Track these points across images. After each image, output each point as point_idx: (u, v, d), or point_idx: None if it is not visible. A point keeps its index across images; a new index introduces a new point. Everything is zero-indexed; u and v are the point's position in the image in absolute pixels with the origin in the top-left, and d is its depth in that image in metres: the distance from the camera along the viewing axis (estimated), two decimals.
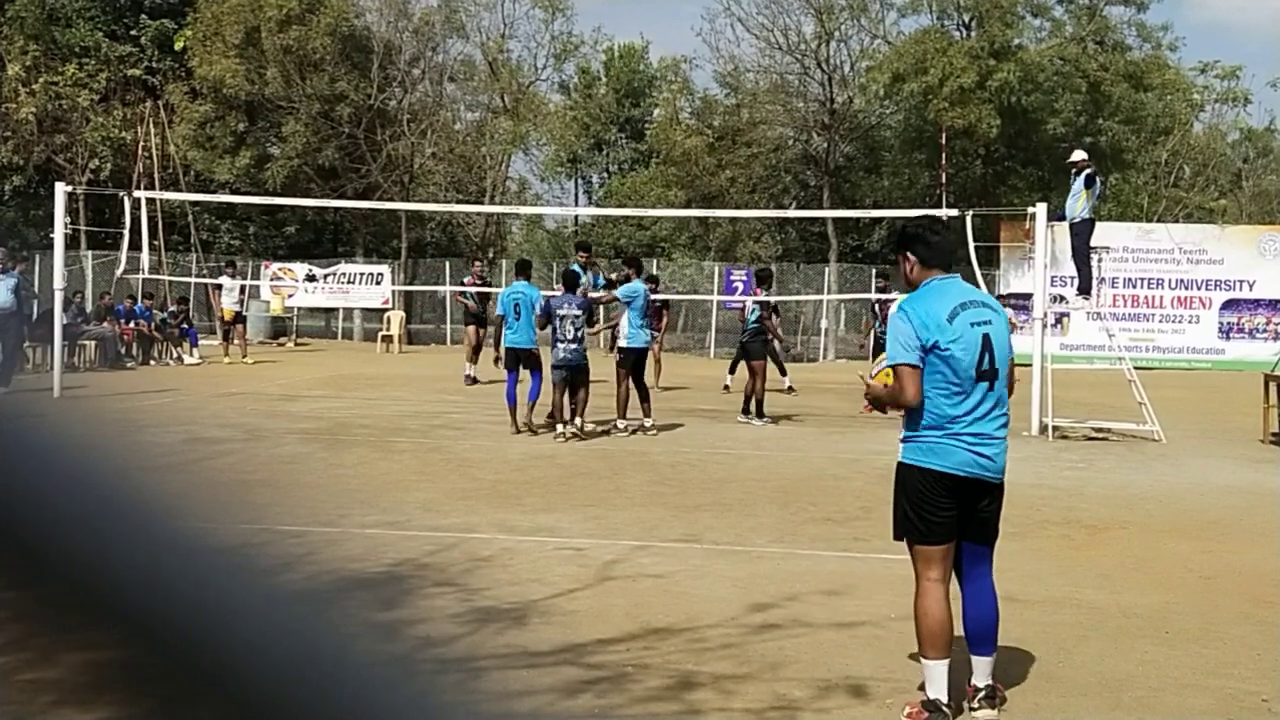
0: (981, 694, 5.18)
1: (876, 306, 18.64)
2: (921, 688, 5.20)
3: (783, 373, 20.29)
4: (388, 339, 32.20)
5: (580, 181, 52.58)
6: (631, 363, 14.94)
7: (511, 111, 38.80)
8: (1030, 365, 16.90)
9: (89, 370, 22.61)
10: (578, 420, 14.31)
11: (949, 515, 5.14)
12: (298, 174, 36.38)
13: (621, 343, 15.02)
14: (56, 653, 0.77)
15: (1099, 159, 28.49)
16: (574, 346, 14.13)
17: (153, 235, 23.56)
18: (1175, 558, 8.51)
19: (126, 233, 19.09)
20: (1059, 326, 26.16)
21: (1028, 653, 6.07)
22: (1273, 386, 15.29)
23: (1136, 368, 17.08)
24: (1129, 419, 15.70)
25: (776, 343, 18.38)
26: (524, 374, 14.96)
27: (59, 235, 17.61)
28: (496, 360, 15.74)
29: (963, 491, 5.12)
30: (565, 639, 6.03)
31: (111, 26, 38.74)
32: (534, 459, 12.64)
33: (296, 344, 34.11)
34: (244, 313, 28.24)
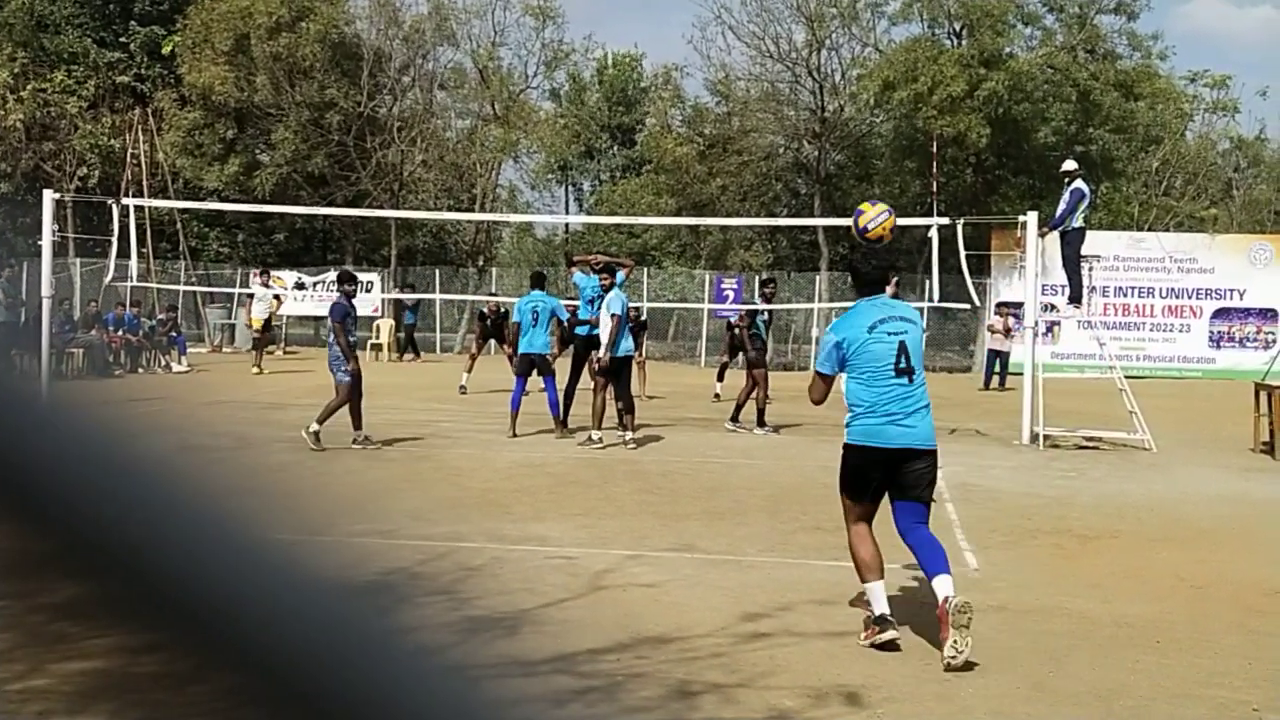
0: (955, 602, 5.83)
1: None
2: (874, 619, 6.18)
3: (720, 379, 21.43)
4: (377, 347, 32.15)
5: (571, 189, 52.63)
6: (612, 371, 14.52)
7: (502, 119, 38.79)
8: (1022, 374, 16.96)
9: (77, 378, 22.53)
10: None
11: (877, 480, 6.36)
12: (287, 181, 36.31)
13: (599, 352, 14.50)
14: (45, 663, 0.75)
15: (1090, 168, 28.56)
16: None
17: (141, 243, 23.52)
18: (1167, 567, 8.51)
19: (115, 240, 19.02)
20: (1050, 335, 26.25)
21: (1019, 662, 6.06)
22: (1263, 395, 15.31)
23: (1127, 376, 17.10)
24: (1120, 428, 15.71)
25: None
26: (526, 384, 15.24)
27: (47, 243, 17.55)
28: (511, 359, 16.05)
29: (892, 460, 6.27)
30: (556, 648, 6.01)
31: (100, 33, 38.66)
32: (523, 467, 12.61)
33: (285, 352, 34.03)
34: (274, 321, 28.08)
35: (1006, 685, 5.67)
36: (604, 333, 14.41)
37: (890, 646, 6.08)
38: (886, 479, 6.33)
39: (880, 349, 6.32)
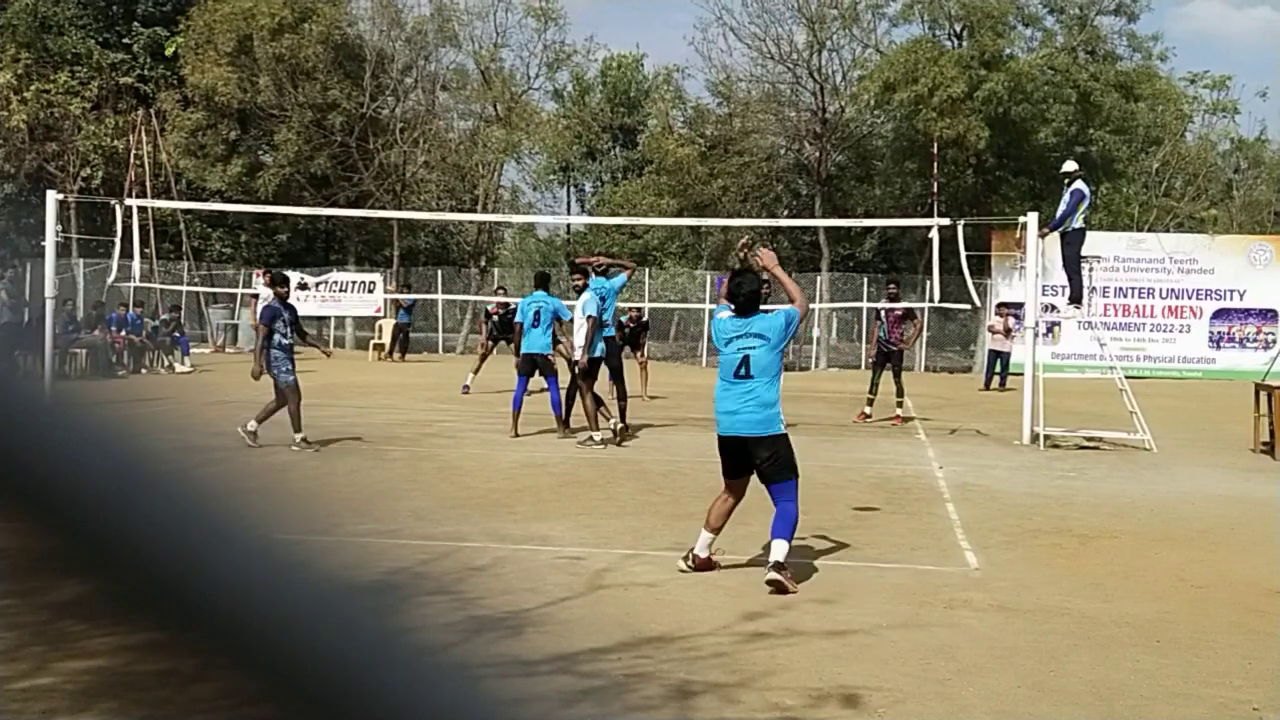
0: (771, 565, 7.40)
1: (883, 314, 18.54)
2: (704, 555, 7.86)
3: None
4: (380, 347, 32.15)
5: (573, 190, 52.64)
6: (588, 373, 14.58)
7: (504, 120, 38.81)
8: (1022, 374, 16.96)
9: (80, 379, 22.53)
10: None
11: (727, 460, 7.94)
12: (289, 182, 36.33)
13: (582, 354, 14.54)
14: (49, 661, 0.77)
15: (1090, 169, 28.54)
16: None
17: (144, 243, 23.52)
18: (1167, 567, 8.51)
19: (118, 241, 19.02)
20: (1050, 336, 26.25)
21: (1019, 662, 6.07)
22: (1263, 396, 15.31)
23: (1128, 377, 17.10)
24: (1120, 428, 15.71)
25: None
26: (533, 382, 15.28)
27: (50, 243, 17.57)
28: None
29: (735, 446, 7.87)
30: (559, 648, 6.02)
31: (104, 34, 38.70)
32: (526, 467, 12.62)
33: None
34: None
35: (1007, 685, 5.68)
36: (579, 334, 14.46)
37: (707, 564, 7.85)
38: (738, 462, 7.89)
39: (730, 359, 7.94)
